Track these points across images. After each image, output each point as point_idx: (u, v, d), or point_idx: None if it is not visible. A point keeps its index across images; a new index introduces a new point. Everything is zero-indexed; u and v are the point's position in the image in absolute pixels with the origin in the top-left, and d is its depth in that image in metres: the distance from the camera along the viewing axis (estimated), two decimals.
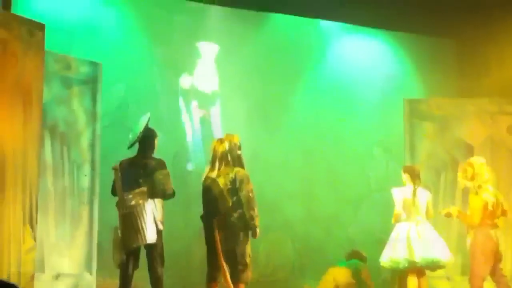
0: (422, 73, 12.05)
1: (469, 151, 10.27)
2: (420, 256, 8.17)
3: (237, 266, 7.38)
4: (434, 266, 8.33)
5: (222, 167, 7.48)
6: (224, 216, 7.34)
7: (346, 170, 11.56)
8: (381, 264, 8.44)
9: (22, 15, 7.99)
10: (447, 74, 12.00)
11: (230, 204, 7.35)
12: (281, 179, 11.06)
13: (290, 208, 11.22)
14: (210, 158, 7.60)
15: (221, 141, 7.63)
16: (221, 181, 7.39)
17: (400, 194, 8.47)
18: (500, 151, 10.29)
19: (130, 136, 7.49)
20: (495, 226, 8.34)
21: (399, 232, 8.34)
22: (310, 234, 11.33)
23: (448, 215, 8.35)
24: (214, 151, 7.56)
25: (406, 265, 8.20)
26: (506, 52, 11.05)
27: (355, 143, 11.66)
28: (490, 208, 8.15)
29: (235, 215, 7.37)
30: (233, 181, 7.38)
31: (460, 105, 10.65)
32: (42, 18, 8.07)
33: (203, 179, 7.54)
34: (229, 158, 7.52)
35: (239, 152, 7.57)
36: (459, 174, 8.37)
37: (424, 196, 8.58)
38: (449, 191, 10.31)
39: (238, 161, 7.55)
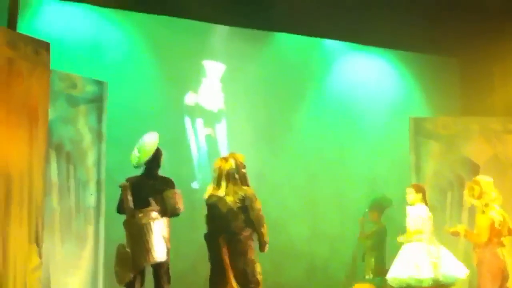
0: (426, 92, 12.08)
1: (475, 169, 10.27)
2: (443, 275, 8.21)
3: (249, 285, 7.35)
4: (453, 283, 8.35)
5: (230, 185, 7.46)
6: (232, 235, 7.33)
7: (351, 189, 11.54)
8: (393, 280, 8.40)
9: (27, 34, 8.00)
10: (451, 92, 12.03)
11: (240, 222, 7.36)
12: (286, 199, 11.04)
13: (294, 227, 11.19)
14: (215, 176, 7.58)
15: (226, 159, 7.62)
16: (229, 199, 7.37)
17: (416, 212, 8.49)
18: (506, 170, 10.29)
19: (137, 154, 7.47)
20: (501, 245, 8.32)
21: (417, 251, 8.32)
22: (314, 253, 11.29)
23: (455, 233, 8.34)
24: (219, 169, 7.54)
25: (431, 283, 8.21)
26: (510, 71, 11.07)
27: (360, 162, 11.65)
28: (497, 226, 8.14)
29: (245, 233, 7.36)
30: (242, 200, 7.39)
31: (465, 124, 10.66)
32: (47, 37, 8.08)
33: (206, 197, 7.53)
34: (236, 176, 7.52)
35: (243, 170, 7.57)
36: (466, 192, 8.36)
37: (428, 215, 8.63)
38: (455, 210, 10.30)
39: (244, 180, 7.56)
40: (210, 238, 7.44)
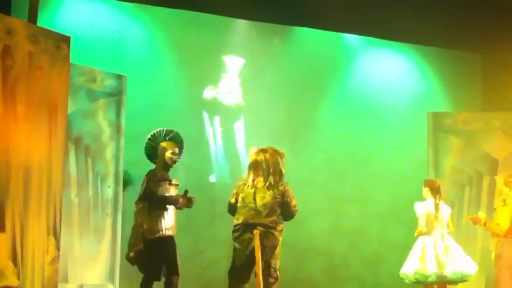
0: (447, 87, 12.01)
1: (494, 165, 10.23)
2: (450, 270, 8.14)
3: (269, 279, 7.36)
4: (462, 279, 8.30)
5: (274, 179, 7.49)
6: (268, 228, 7.34)
7: (372, 186, 11.51)
8: (405, 276, 8.39)
9: (48, 28, 8.07)
10: (472, 88, 11.96)
11: (276, 217, 7.39)
12: (307, 196, 10.98)
13: (315, 224, 11.18)
14: (258, 167, 7.54)
15: (269, 152, 7.60)
16: (270, 193, 7.41)
17: (423, 208, 8.46)
18: None
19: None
20: None
21: (424, 245, 8.30)
22: (334, 250, 11.28)
23: (476, 220, 8.34)
24: (265, 161, 7.53)
25: (435, 278, 8.17)
26: None
27: (382, 158, 11.60)
28: None
29: (279, 228, 7.39)
30: (282, 195, 7.42)
31: (485, 119, 10.60)
32: (67, 31, 8.14)
33: (242, 187, 7.52)
34: (283, 171, 7.55)
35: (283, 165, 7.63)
36: (501, 179, 8.35)
37: (446, 211, 8.56)
38: (474, 206, 10.25)
39: (282, 175, 7.60)
40: (243, 229, 7.43)
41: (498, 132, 10.43)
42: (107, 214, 8.84)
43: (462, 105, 11.78)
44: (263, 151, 7.61)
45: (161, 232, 7.28)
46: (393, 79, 11.93)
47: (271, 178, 7.45)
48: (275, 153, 7.60)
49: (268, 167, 7.48)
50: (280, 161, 7.56)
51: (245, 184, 7.49)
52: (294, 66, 11.44)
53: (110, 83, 9.11)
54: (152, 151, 7.61)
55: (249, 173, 7.56)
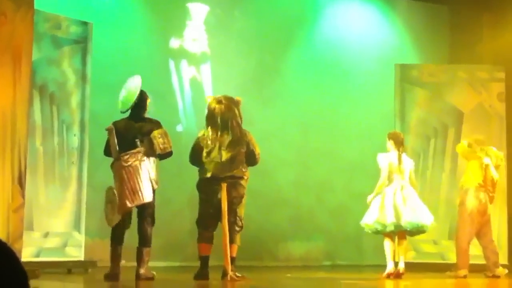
0: (415, 39, 12.02)
1: (459, 118, 10.33)
2: (406, 221, 8.22)
3: (234, 227, 7.49)
4: (418, 230, 8.41)
5: (236, 131, 7.52)
6: (235, 179, 7.42)
7: (339, 137, 11.53)
8: (365, 226, 8.49)
9: None
10: (439, 40, 11.99)
11: (243, 167, 7.47)
12: (275, 147, 11.03)
13: (282, 174, 11.22)
14: (216, 119, 7.56)
15: (224, 103, 7.60)
16: (235, 145, 7.47)
17: (386, 160, 8.50)
18: (490, 118, 10.32)
19: (121, 99, 7.46)
20: (486, 190, 8.59)
21: (384, 196, 8.39)
22: (300, 201, 11.35)
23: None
24: (222, 114, 7.54)
25: (393, 228, 8.27)
26: (499, 20, 11.04)
27: (348, 110, 11.63)
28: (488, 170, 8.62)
29: (245, 177, 7.49)
30: (247, 145, 7.50)
31: (452, 72, 10.66)
32: None
33: (204, 141, 7.53)
34: (240, 122, 7.58)
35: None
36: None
37: (408, 164, 8.60)
38: (439, 157, 10.35)
39: (241, 125, 7.63)
40: (210, 182, 7.48)
41: (464, 85, 10.49)
42: (72, 162, 8.79)
43: (429, 57, 11.82)
44: (219, 102, 7.63)
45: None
46: (361, 31, 11.91)
47: (231, 133, 7.48)
48: (231, 103, 7.62)
49: (225, 120, 7.50)
50: (236, 111, 7.59)
51: (207, 139, 7.51)
52: (262, 15, 11.36)
53: (75, 30, 8.98)
54: (144, 102, 7.53)
55: (207, 126, 7.60)
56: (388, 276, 8.20)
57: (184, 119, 10.74)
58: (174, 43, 10.85)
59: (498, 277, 8.60)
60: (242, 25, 11.19)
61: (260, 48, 11.30)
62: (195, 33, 10.94)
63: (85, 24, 9.09)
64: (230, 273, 7.29)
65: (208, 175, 7.46)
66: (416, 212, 8.29)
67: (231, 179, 7.44)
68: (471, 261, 8.70)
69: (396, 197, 8.33)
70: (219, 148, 7.46)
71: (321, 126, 11.51)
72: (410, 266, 8.88)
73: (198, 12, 10.96)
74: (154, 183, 7.30)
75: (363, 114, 11.56)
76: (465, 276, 8.53)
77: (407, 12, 12.12)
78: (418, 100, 10.52)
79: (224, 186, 7.37)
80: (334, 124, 11.55)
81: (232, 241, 7.46)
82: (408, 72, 10.65)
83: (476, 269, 8.79)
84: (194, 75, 10.90)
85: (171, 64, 10.80)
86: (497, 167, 8.87)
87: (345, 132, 11.55)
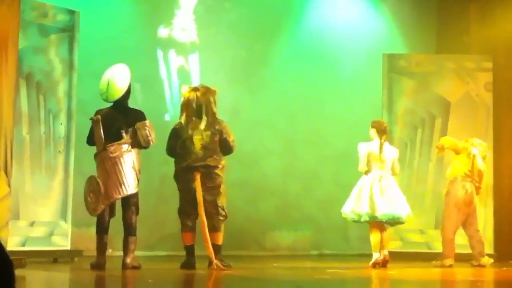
0: (403, 29, 11.99)
1: (447, 108, 10.35)
2: (381, 212, 8.22)
3: (218, 217, 7.52)
4: (394, 222, 8.40)
5: (209, 118, 7.53)
6: (210, 168, 7.44)
7: (327, 127, 11.51)
8: (343, 215, 8.51)
9: None
10: (427, 30, 11.96)
11: (217, 156, 7.49)
12: (261, 136, 11.04)
13: (269, 163, 11.21)
14: (190, 107, 7.57)
15: (200, 91, 7.63)
16: (208, 133, 7.48)
17: (366, 148, 8.44)
18: (477, 108, 10.36)
19: (105, 88, 7.40)
20: (473, 180, 8.65)
21: (362, 186, 8.39)
22: (288, 190, 11.35)
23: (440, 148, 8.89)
24: (197, 100, 7.57)
25: (367, 219, 8.27)
26: (487, 9, 11.04)
27: (336, 99, 11.61)
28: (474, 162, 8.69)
29: (220, 166, 7.52)
30: (220, 133, 7.51)
31: (439, 62, 10.68)
32: None
33: (179, 129, 7.55)
34: (215, 109, 7.59)
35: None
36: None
37: (391, 153, 8.54)
38: (426, 147, 10.38)
39: (216, 113, 7.65)
40: (185, 171, 7.50)
41: (451, 75, 10.50)
42: (59, 151, 8.77)
43: (417, 47, 11.80)
44: (194, 89, 7.67)
45: None
46: (349, 21, 11.86)
47: (205, 119, 7.50)
48: (206, 91, 7.65)
49: (199, 106, 7.53)
50: (211, 99, 7.62)
51: (181, 128, 7.54)
52: (250, 5, 11.33)
53: (62, 18, 8.95)
54: (130, 93, 7.52)
55: (182, 114, 7.62)
56: (374, 265, 8.23)
57: (171, 109, 10.71)
58: (162, 32, 10.82)
59: (484, 266, 8.65)
60: (231, 15, 11.16)
61: (249, 37, 11.28)
62: (184, 22, 10.90)
63: (72, 12, 9.07)
64: (215, 261, 7.32)
65: (183, 164, 7.53)
66: (392, 204, 8.26)
67: (205, 168, 7.49)
68: (457, 251, 8.75)
69: (374, 188, 8.29)
70: (193, 137, 7.50)
71: (308, 115, 11.50)
72: (396, 256, 8.93)
73: (187, 1, 10.93)
74: (138, 173, 7.32)
75: (350, 104, 11.54)
76: (450, 266, 8.58)
77: (395, 2, 12.09)
78: (405, 90, 10.53)
79: (197, 175, 7.42)
80: (321, 113, 11.53)
81: (216, 229, 7.51)
82: (395, 62, 10.66)
83: (462, 259, 8.83)
84: (182, 65, 10.87)
85: (159, 53, 10.77)
86: (483, 158, 8.90)
87: (333, 121, 11.53)
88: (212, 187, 7.51)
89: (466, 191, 8.71)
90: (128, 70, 7.47)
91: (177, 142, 7.57)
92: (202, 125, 7.52)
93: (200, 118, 7.56)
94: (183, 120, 7.63)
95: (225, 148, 7.63)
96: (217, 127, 7.57)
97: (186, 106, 7.64)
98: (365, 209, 8.24)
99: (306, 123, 11.46)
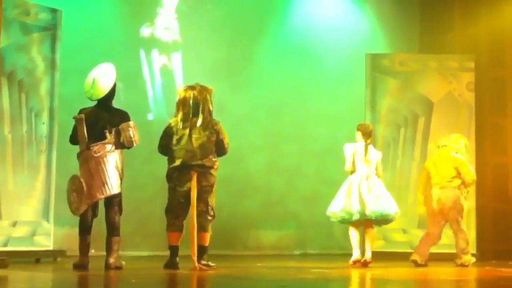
0: (386, 28, 12.03)
1: (430, 107, 10.41)
2: (370, 210, 8.32)
3: (207, 217, 7.49)
4: (382, 219, 8.49)
5: (206, 117, 7.50)
6: (205, 168, 7.41)
7: (310, 124, 11.57)
8: (331, 215, 8.56)
9: None
10: (410, 29, 12.01)
11: (212, 156, 7.45)
12: (245, 132, 11.05)
13: (253, 160, 11.24)
14: (189, 105, 7.53)
15: (197, 90, 7.59)
16: (205, 133, 7.45)
17: (351, 149, 8.62)
18: (459, 107, 10.41)
19: (90, 87, 7.35)
20: (458, 185, 8.69)
21: (350, 184, 8.47)
22: (272, 187, 11.37)
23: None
24: (194, 98, 7.53)
25: (359, 217, 8.35)
26: (470, 9, 11.09)
27: (320, 97, 11.65)
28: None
29: (215, 167, 7.49)
30: (217, 134, 7.49)
31: (422, 61, 10.73)
32: None
33: (175, 128, 7.50)
34: (211, 108, 7.57)
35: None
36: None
37: (375, 155, 8.71)
38: (409, 146, 10.43)
39: (211, 112, 7.63)
40: (179, 170, 7.46)
41: (434, 74, 10.56)
42: (41, 150, 8.71)
43: (400, 46, 11.84)
44: (191, 88, 7.63)
45: None
46: (332, 19, 11.90)
47: (202, 117, 7.46)
48: (203, 90, 7.62)
49: (196, 104, 7.49)
50: (208, 98, 7.59)
51: (177, 126, 7.50)
52: (233, 3, 11.33)
53: (44, 16, 8.92)
54: (114, 92, 7.48)
55: (178, 112, 7.57)
56: (354, 263, 8.31)
57: (154, 107, 10.70)
58: (145, 31, 10.80)
59: (466, 266, 8.66)
60: (214, 13, 11.16)
61: (232, 35, 11.28)
62: (166, 21, 10.88)
63: (54, 11, 9.05)
64: (196, 264, 7.28)
65: (178, 162, 7.47)
66: (380, 201, 8.40)
67: (201, 168, 7.45)
68: (441, 250, 8.79)
69: (361, 186, 8.43)
70: (189, 135, 7.46)
71: (292, 112, 11.55)
72: (379, 255, 8.95)
73: (169, 0, 10.90)
74: (121, 173, 7.28)
75: (334, 102, 11.60)
76: (415, 261, 8.60)
77: (378, 1, 12.13)
78: (388, 89, 10.58)
79: (194, 175, 7.38)
80: (305, 111, 11.58)
81: (204, 229, 7.48)
82: (379, 61, 10.70)
83: (446, 258, 8.86)
84: (165, 63, 10.86)
85: (142, 52, 10.76)
86: (458, 150, 8.90)
87: (316, 118, 11.58)
88: (206, 186, 7.49)
89: (439, 199, 8.77)
90: (114, 70, 7.42)
91: (172, 140, 7.52)
92: (199, 123, 7.48)
93: (196, 116, 7.52)
94: (179, 117, 7.57)
95: (220, 149, 7.62)
96: (214, 127, 7.54)
97: (182, 104, 7.58)
98: (356, 207, 8.33)
99: (289, 120, 11.53)
